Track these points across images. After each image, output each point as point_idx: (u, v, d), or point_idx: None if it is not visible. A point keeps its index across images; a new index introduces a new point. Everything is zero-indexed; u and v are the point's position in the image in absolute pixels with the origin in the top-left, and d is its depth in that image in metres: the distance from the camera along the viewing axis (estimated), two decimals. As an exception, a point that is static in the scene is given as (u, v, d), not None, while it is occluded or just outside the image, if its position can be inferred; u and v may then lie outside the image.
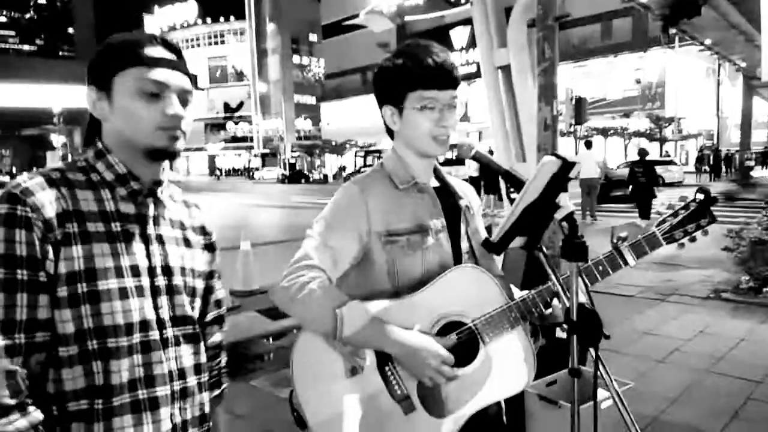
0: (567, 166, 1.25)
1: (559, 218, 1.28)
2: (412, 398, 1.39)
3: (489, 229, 1.66)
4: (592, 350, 1.22)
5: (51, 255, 1.03)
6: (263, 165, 62.88)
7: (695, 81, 36.89)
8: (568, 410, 1.42)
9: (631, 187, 12.06)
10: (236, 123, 79.08)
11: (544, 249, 1.35)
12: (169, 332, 1.17)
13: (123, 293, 1.09)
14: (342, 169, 44.79)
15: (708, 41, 12.98)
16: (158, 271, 1.16)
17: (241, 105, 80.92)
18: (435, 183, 1.58)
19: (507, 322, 1.41)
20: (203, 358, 1.27)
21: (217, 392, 1.40)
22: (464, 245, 1.55)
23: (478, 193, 1.71)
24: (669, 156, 30.58)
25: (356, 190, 1.46)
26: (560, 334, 2.68)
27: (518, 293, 1.47)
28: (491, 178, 13.82)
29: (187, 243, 1.26)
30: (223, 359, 1.44)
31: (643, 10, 8.82)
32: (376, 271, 1.46)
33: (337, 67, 60.71)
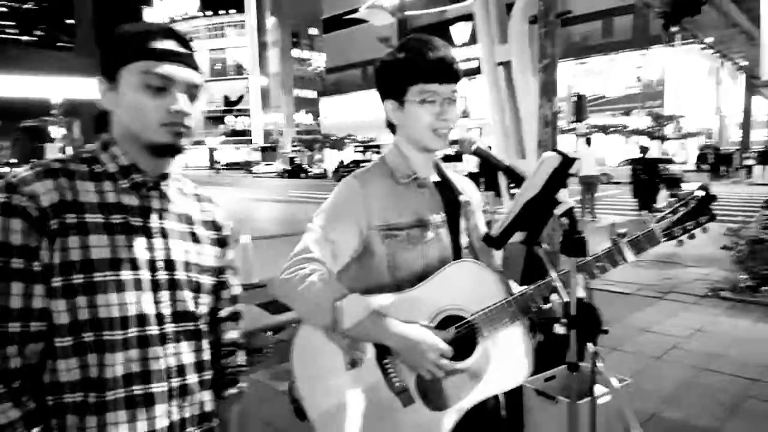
0: (567, 162, 1.26)
1: (558, 214, 1.28)
2: (411, 391, 1.40)
3: (488, 225, 1.66)
4: (590, 345, 1.22)
5: (46, 245, 1.03)
6: (263, 159, 62.82)
7: (696, 79, 36.85)
8: (565, 405, 1.43)
9: (632, 183, 12.10)
10: (236, 116, 78.92)
11: (544, 244, 1.36)
12: (169, 328, 1.14)
13: (119, 286, 1.07)
14: (341, 164, 44.80)
15: (709, 40, 12.99)
16: (160, 265, 1.14)
17: (240, 98, 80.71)
18: (436, 178, 1.59)
19: (506, 317, 1.42)
20: (206, 356, 1.24)
21: (233, 391, 1.37)
22: (464, 240, 1.56)
23: (478, 189, 1.71)
24: (667, 154, 30.58)
25: (357, 184, 1.46)
26: (558, 330, 2.69)
27: (517, 288, 1.48)
28: (491, 174, 13.81)
29: (194, 238, 1.24)
30: (240, 357, 1.41)
31: (645, 7, 8.81)
32: (375, 265, 1.47)
33: (338, 62, 60.58)
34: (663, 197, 12.48)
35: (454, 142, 1.54)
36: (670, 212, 1.43)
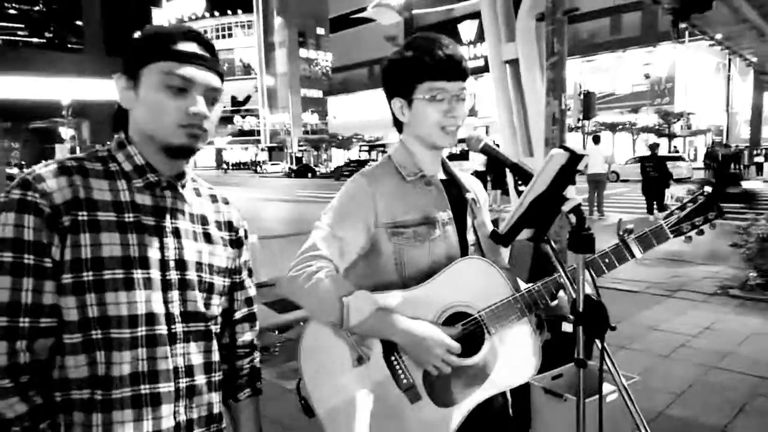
0: (575, 158, 1.25)
1: (566, 210, 1.28)
2: (418, 387, 1.41)
3: (495, 223, 1.66)
4: (598, 342, 1.22)
5: (57, 241, 1.03)
6: (270, 159, 62.94)
7: (705, 76, 36.59)
8: (573, 404, 1.43)
9: (641, 181, 12.04)
10: (243, 117, 79.14)
11: (551, 241, 1.36)
12: (179, 328, 1.14)
13: (129, 284, 1.07)
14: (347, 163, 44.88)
15: (719, 36, 12.86)
16: (171, 264, 1.14)
17: (248, 98, 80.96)
18: (442, 176, 1.59)
19: (513, 314, 1.42)
20: (215, 357, 1.24)
21: (249, 392, 1.37)
22: (471, 238, 1.56)
23: (485, 187, 1.72)
24: (677, 151, 30.38)
25: (364, 182, 1.47)
26: (566, 327, 2.69)
27: (524, 286, 1.48)
28: (498, 172, 13.78)
29: (208, 238, 1.24)
30: (257, 359, 1.40)
31: (654, 4, 8.75)
32: (383, 262, 1.47)
33: (345, 61, 60.62)
34: (670, 195, 12.41)
35: (461, 140, 1.54)
36: (678, 208, 1.43)
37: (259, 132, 76.83)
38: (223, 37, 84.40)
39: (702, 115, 36.49)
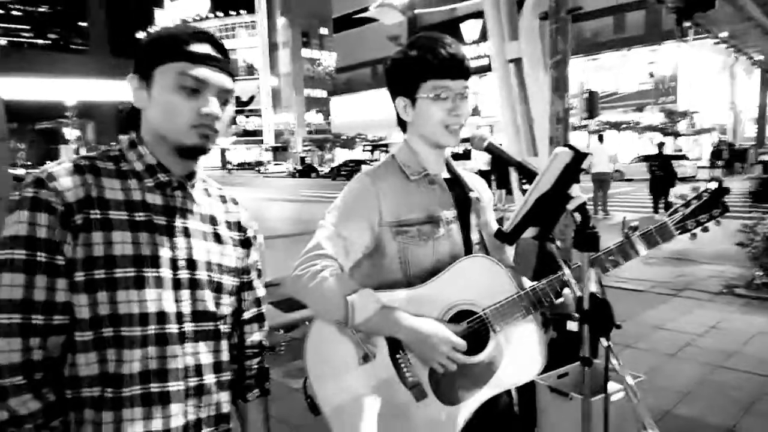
0: (579, 156, 1.25)
1: (571, 209, 1.28)
2: (424, 385, 1.41)
3: (500, 222, 1.66)
4: (603, 341, 1.22)
5: (69, 239, 1.04)
6: (274, 159, 63.05)
7: (709, 75, 36.40)
8: (579, 402, 1.43)
9: (648, 180, 12.03)
10: (247, 117, 79.29)
11: (556, 240, 1.36)
12: (188, 327, 1.15)
13: (140, 282, 1.08)
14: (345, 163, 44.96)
15: (723, 34, 12.82)
16: (181, 264, 1.15)
17: (252, 99, 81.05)
18: (446, 175, 1.59)
19: (518, 311, 1.42)
20: (225, 357, 1.24)
21: (257, 393, 1.37)
22: (475, 236, 1.56)
23: (489, 186, 1.71)
24: (680, 150, 30.26)
25: (368, 181, 1.47)
26: (571, 326, 2.69)
27: (529, 284, 1.48)
28: (502, 171, 13.76)
29: (217, 238, 1.25)
30: (266, 359, 1.41)
31: (658, 3, 8.72)
32: (387, 261, 1.48)
33: (348, 61, 60.64)
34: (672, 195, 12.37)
35: (465, 140, 1.55)
36: (682, 205, 1.43)
37: (263, 132, 76.95)
38: (227, 37, 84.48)
39: (706, 113, 36.34)
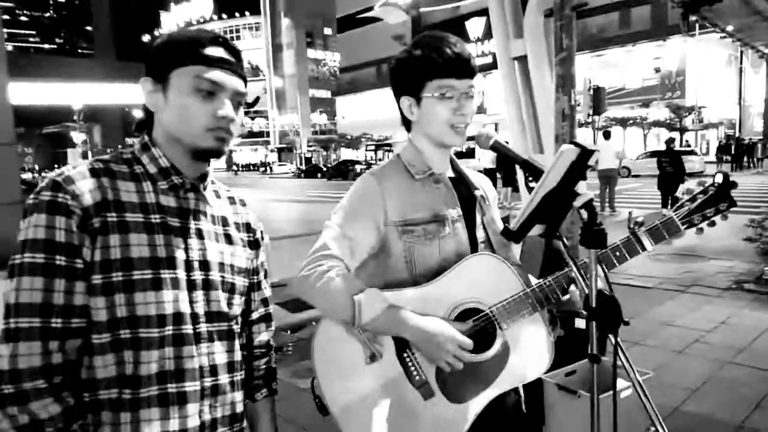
0: (586, 153, 1.25)
1: (578, 206, 1.28)
2: (431, 384, 1.41)
3: (506, 220, 1.66)
4: (611, 338, 1.22)
5: (88, 242, 1.05)
6: (279, 159, 63.24)
7: (716, 69, 36.21)
8: (587, 400, 1.43)
9: (657, 176, 11.97)
10: (252, 118, 79.46)
11: (563, 237, 1.35)
12: (203, 327, 1.16)
13: (157, 284, 1.09)
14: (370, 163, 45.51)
15: (730, 28, 12.71)
16: (195, 265, 1.16)
17: (257, 100, 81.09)
18: (451, 174, 1.59)
19: (524, 309, 1.42)
20: (237, 356, 1.25)
21: (265, 392, 1.38)
22: (480, 235, 1.56)
23: (495, 185, 1.72)
24: (689, 146, 30.09)
25: (373, 181, 1.48)
26: (579, 324, 2.68)
27: (535, 281, 1.48)
28: (508, 169, 13.74)
29: (229, 239, 1.26)
30: (273, 358, 1.42)
31: (663, -3, 8.67)
32: (393, 260, 1.48)
33: (352, 61, 60.69)
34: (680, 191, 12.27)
35: (470, 138, 1.55)
36: (689, 200, 1.42)
37: (268, 133, 77.13)
38: (232, 39, 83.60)
39: (714, 108, 36.12)
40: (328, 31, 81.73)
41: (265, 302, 1.39)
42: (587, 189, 1.31)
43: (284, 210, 18.21)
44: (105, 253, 1.05)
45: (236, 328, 1.26)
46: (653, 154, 24.71)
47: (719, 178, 1.41)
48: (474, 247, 1.53)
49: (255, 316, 1.37)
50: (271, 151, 70.37)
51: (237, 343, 1.26)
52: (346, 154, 57.91)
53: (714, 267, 7.15)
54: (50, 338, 1.01)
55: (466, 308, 1.43)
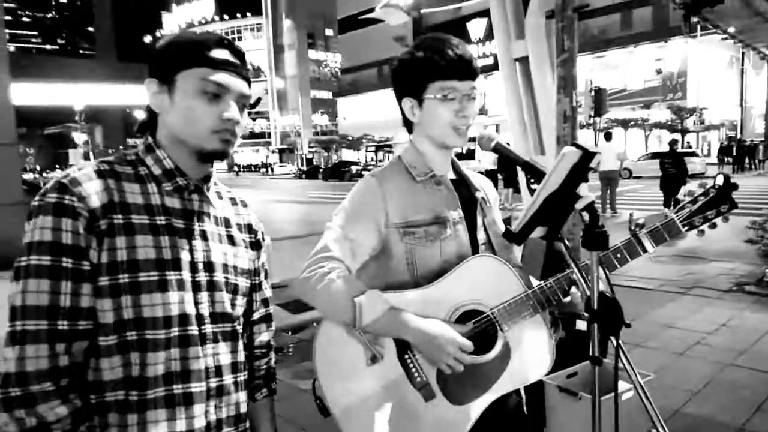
0: (588, 156, 1.25)
1: (579, 208, 1.28)
2: (432, 385, 1.41)
3: (508, 221, 1.66)
4: (613, 340, 1.22)
5: (95, 244, 1.04)
6: (281, 160, 63.33)
7: (718, 70, 36.18)
8: (588, 402, 1.43)
9: (660, 177, 11.98)
10: (254, 119, 79.42)
11: (565, 239, 1.35)
12: (208, 328, 1.16)
13: (163, 286, 1.09)
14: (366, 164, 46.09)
15: (731, 29, 12.70)
16: (200, 266, 1.16)
17: (258, 101, 79.94)
18: (452, 175, 1.59)
19: (525, 310, 1.42)
20: (241, 357, 1.26)
21: (265, 392, 1.39)
22: (481, 237, 1.56)
23: (496, 186, 1.72)
24: (691, 147, 30.07)
25: (374, 183, 1.48)
26: (580, 326, 2.68)
27: (536, 283, 1.48)
28: (509, 171, 13.73)
29: (231, 240, 1.26)
30: (273, 358, 1.43)
31: (664, -1, 8.67)
32: (394, 262, 1.48)
33: (354, 62, 60.72)
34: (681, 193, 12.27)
35: (471, 139, 1.55)
36: (689, 202, 1.42)
37: (269, 134, 77.16)
38: (233, 40, 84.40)
39: (715, 109, 36.09)
40: (329, 32, 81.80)
41: (265, 303, 1.40)
42: (588, 191, 1.31)
43: (285, 211, 18.22)
44: (112, 255, 1.05)
45: (239, 328, 1.27)
46: (654, 155, 24.69)
47: (720, 180, 1.41)
48: (475, 249, 1.53)
49: (256, 316, 1.38)
50: (273, 152, 70.40)
51: (240, 344, 1.26)
52: (347, 155, 57.94)
53: (715, 269, 7.14)
54: (57, 341, 1.01)
55: (468, 310, 1.43)
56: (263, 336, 1.39)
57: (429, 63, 1.43)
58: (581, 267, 1.36)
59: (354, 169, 37.90)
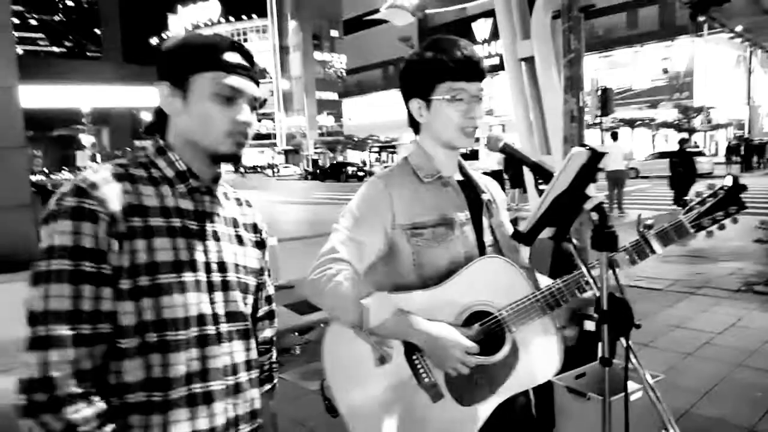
0: (596, 156, 1.25)
1: (588, 208, 1.27)
2: (440, 386, 1.41)
3: (515, 222, 1.66)
4: (622, 340, 1.21)
5: (115, 247, 1.05)
6: (286, 161, 63.60)
7: (725, 69, 35.94)
8: (597, 403, 1.42)
9: (669, 177, 11.96)
10: (259, 120, 79.01)
11: (573, 240, 1.35)
12: (223, 327, 1.18)
13: (182, 287, 1.11)
14: (362, 165, 46.55)
15: (739, 28, 12.66)
16: (214, 267, 1.18)
17: (264, 102, 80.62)
18: (459, 177, 1.59)
19: (534, 312, 1.42)
20: (254, 354, 1.28)
21: (268, 387, 1.42)
22: (488, 238, 1.56)
23: (503, 187, 1.72)
24: (698, 147, 29.88)
25: (381, 184, 1.48)
26: (588, 326, 2.67)
27: (545, 281, 1.47)
28: (516, 171, 13.69)
29: (240, 240, 1.28)
30: (274, 354, 1.46)
31: (671, -2, 8.65)
32: (402, 264, 1.48)
33: (359, 63, 60.74)
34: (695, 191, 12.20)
35: (475, 140, 1.55)
36: (698, 203, 1.41)
37: (275, 135, 77.32)
38: (239, 42, 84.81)
39: (722, 109, 35.86)
40: (334, 33, 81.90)
41: (269, 300, 1.43)
42: (595, 191, 1.30)
43: (293, 212, 18.25)
44: (132, 258, 1.06)
45: (251, 326, 1.29)
46: (662, 155, 24.56)
47: (729, 182, 1.40)
48: (482, 251, 1.53)
49: (260, 313, 1.40)
50: (278, 153, 70.52)
51: (253, 342, 1.28)
52: (352, 156, 57.99)
53: (724, 269, 7.10)
54: (80, 345, 1.01)
55: (476, 311, 1.43)
56: (266, 332, 1.42)
57: (437, 64, 1.44)
58: (590, 267, 1.36)
59: (350, 170, 39.30)
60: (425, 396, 1.41)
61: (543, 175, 1.39)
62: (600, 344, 1.24)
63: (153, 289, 1.07)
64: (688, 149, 12.41)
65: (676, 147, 12.91)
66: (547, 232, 1.35)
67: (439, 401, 1.41)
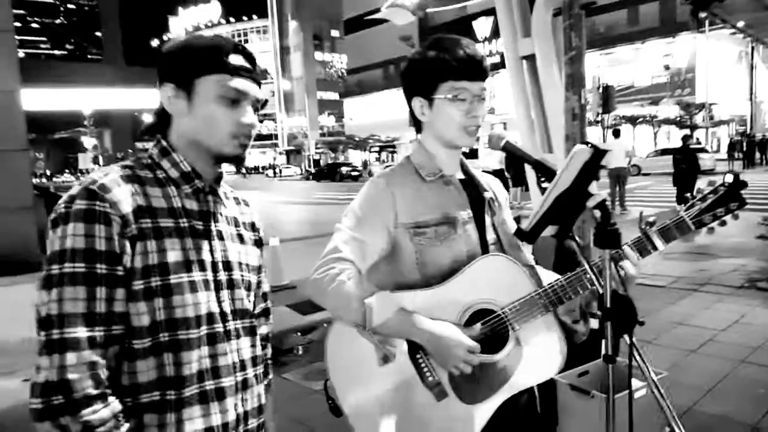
0: (599, 154, 1.25)
1: (591, 206, 1.27)
2: (444, 385, 1.41)
3: (518, 220, 1.66)
4: (626, 338, 1.21)
5: (128, 249, 1.06)
6: (288, 162, 63.73)
7: (727, 65, 35.84)
8: (600, 400, 1.42)
9: (672, 174, 11.96)
10: (261, 121, 78.81)
11: (576, 237, 1.35)
12: (231, 325, 1.20)
13: (192, 287, 1.12)
14: (365, 164, 46.72)
15: (740, 24, 12.61)
16: (220, 266, 1.20)
17: (265, 103, 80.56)
18: (461, 175, 1.59)
19: (536, 309, 1.42)
20: (259, 350, 1.30)
21: (265, 382, 1.42)
22: (491, 236, 1.56)
23: (506, 185, 1.72)
24: (700, 143, 29.81)
25: (383, 184, 1.48)
26: (592, 324, 2.67)
27: (549, 276, 1.47)
28: (518, 169, 13.68)
29: (241, 239, 1.30)
30: (269, 351, 1.47)
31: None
32: (404, 263, 1.48)
33: (360, 62, 60.74)
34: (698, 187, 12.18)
35: (477, 139, 1.55)
36: (699, 199, 1.41)
37: (276, 136, 77.39)
38: (240, 43, 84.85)
39: (724, 105, 35.77)
40: (335, 33, 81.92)
41: (265, 297, 1.44)
42: (597, 188, 1.30)
43: (294, 212, 18.26)
44: (144, 259, 1.08)
45: (255, 323, 1.31)
46: (664, 151, 24.53)
47: (729, 178, 1.40)
48: (485, 249, 1.53)
49: (257, 310, 1.41)
50: (280, 153, 70.56)
51: (258, 338, 1.30)
52: (354, 155, 58.01)
53: (727, 265, 7.08)
54: (96, 347, 1.02)
55: (479, 309, 1.43)
56: (263, 329, 1.43)
57: (440, 63, 1.44)
58: (592, 265, 1.36)
59: (344, 170, 40.64)
60: (429, 395, 1.41)
61: (545, 173, 1.39)
62: (603, 342, 1.24)
63: (164, 290, 1.09)
64: (691, 146, 12.40)
65: (678, 144, 12.91)
66: (549, 230, 1.35)
67: (442, 400, 1.41)
